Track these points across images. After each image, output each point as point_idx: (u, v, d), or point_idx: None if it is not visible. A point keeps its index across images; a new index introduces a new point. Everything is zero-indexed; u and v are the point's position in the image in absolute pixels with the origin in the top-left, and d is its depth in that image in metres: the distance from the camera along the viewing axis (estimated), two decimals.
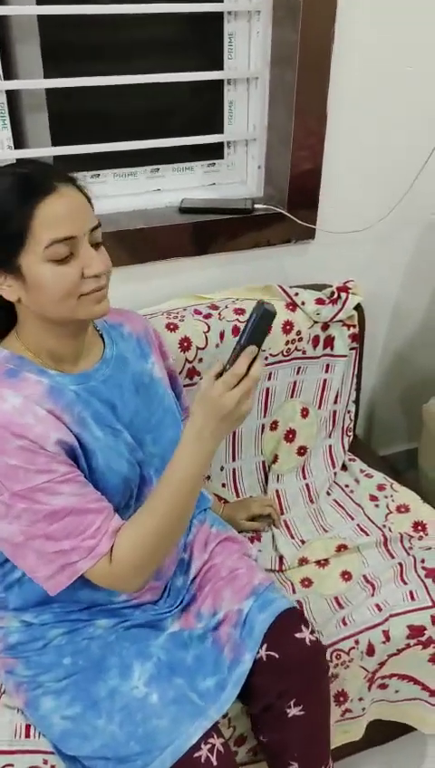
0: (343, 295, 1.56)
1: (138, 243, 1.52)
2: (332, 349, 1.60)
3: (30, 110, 1.50)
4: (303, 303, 1.55)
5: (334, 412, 1.66)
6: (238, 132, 1.67)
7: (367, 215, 1.68)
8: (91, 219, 0.97)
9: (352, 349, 1.63)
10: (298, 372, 1.59)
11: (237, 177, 1.73)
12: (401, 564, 1.39)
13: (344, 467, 1.68)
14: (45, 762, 1.07)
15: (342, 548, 1.43)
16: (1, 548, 1.01)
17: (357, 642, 1.27)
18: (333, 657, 1.25)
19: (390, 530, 1.47)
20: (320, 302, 1.56)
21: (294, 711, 1.09)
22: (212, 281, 1.64)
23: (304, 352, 1.57)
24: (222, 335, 1.47)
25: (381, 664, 1.30)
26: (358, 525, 1.50)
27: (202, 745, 0.99)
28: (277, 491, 1.59)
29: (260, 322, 0.92)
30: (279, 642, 1.09)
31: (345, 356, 1.61)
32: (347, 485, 1.63)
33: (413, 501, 1.54)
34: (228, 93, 1.63)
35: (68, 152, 1.50)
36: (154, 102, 1.61)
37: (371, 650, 1.27)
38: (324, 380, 1.62)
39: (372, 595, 1.33)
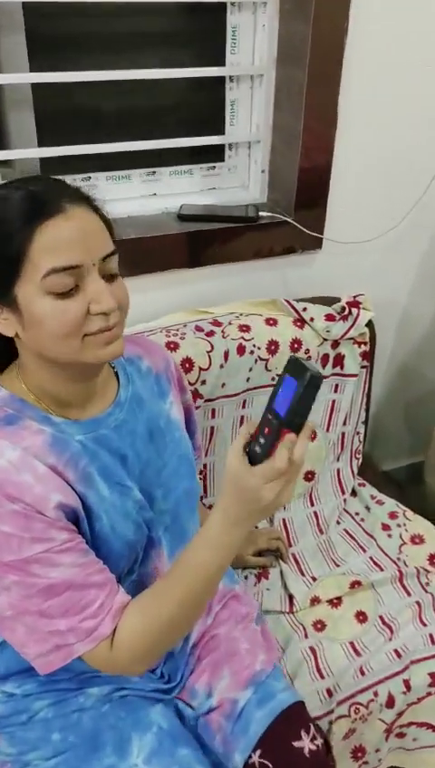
0: (354, 311, 1.46)
1: (132, 252, 1.39)
2: (342, 368, 1.50)
3: (14, 107, 1.38)
4: (311, 320, 1.44)
5: (343, 434, 1.56)
6: (240, 133, 1.55)
7: (377, 223, 1.58)
8: (105, 246, 0.83)
9: (362, 367, 1.53)
10: None
11: (239, 182, 1.61)
12: (418, 603, 1.30)
13: (354, 493, 1.58)
14: None
15: (355, 585, 1.33)
16: None
17: (376, 694, 1.17)
18: (351, 712, 1.15)
19: (405, 564, 1.38)
20: (330, 318, 1.45)
21: None
22: (211, 293, 1.53)
23: None
24: (226, 355, 1.36)
25: (400, 714, 1.21)
26: (371, 558, 1.40)
27: None
28: (284, 520, 1.49)
29: (305, 393, 0.76)
30: (275, 750, 0.96)
31: (356, 375, 1.51)
32: (357, 513, 1.53)
33: (428, 531, 1.45)
34: (230, 91, 1.51)
35: (56, 153, 1.38)
36: (150, 100, 1.49)
37: (391, 702, 1.18)
38: (333, 401, 1.52)
39: (390, 639, 1.24)
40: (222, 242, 1.47)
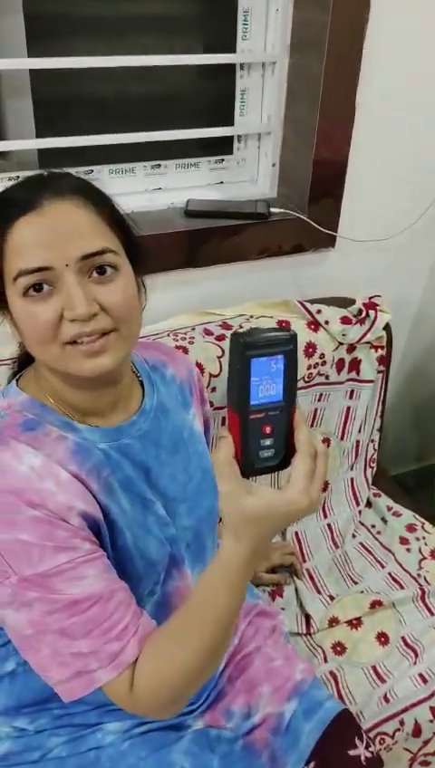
0: (371, 313, 1.39)
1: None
2: (358, 373, 1.42)
3: (11, 95, 1.30)
4: (326, 323, 1.37)
5: (357, 442, 1.49)
6: (251, 125, 1.47)
7: (394, 220, 1.51)
8: (85, 245, 0.74)
9: (379, 372, 1.45)
10: (320, 399, 1.41)
11: (248, 176, 1.53)
12: None
13: (369, 504, 1.51)
14: None
15: (376, 605, 1.26)
16: (10, 637, 0.80)
17: (402, 723, 1.10)
18: (376, 742, 1.08)
19: (426, 580, 1.31)
20: (346, 321, 1.37)
21: None
22: (218, 294, 1.46)
23: (326, 377, 1.39)
24: None
25: (426, 742, 1.14)
26: (390, 575, 1.33)
27: None
28: (297, 533, 1.42)
29: (292, 361, 0.65)
30: (330, 760, 0.90)
31: (372, 381, 1.44)
32: (374, 526, 1.46)
33: None
34: (241, 80, 1.42)
35: (55, 145, 1.30)
36: (155, 89, 1.41)
37: (417, 731, 1.11)
38: (348, 408, 1.45)
39: (415, 663, 1.17)
40: (231, 239, 1.40)
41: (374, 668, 1.17)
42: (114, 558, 0.83)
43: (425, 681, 1.14)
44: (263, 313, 1.38)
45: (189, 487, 0.95)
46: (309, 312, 1.38)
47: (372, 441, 1.53)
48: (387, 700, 1.12)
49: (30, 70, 1.27)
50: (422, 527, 1.43)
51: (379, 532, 1.44)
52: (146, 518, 0.88)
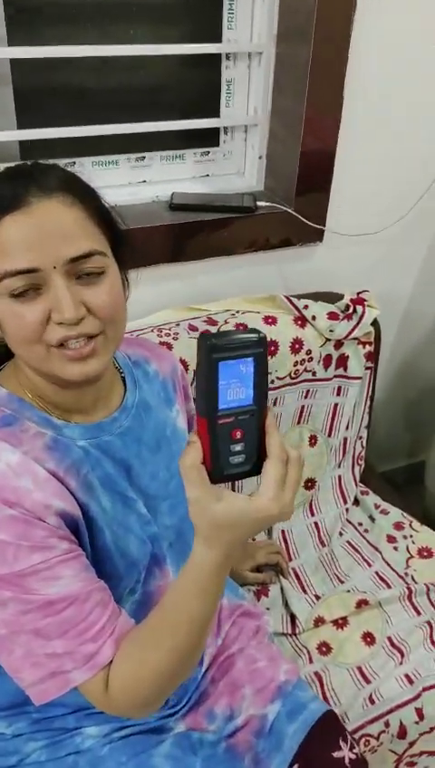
0: (359, 309, 1.36)
1: None
2: (345, 370, 1.41)
3: None
4: (314, 318, 1.35)
5: (345, 439, 1.47)
6: (237, 116, 1.45)
7: (382, 214, 1.49)
8: (74, 247, 0.73)
9: (367, 368, 1.43)
10: (307, 396, 1.39)
11: (234, 168, 1.51)
12: (429, 623, 1.21)
13: (356, 502, 1.49)
14: None
15: (362, 604, 1.24)
16: None
17: (388, 724, 1.09)
18: (361, 744, 1.07)
19: (413, 579, 1.30)
20: (333, 316, 1.35)
21: None
22: (204, 288, 1.43)
23: (314, 374, 1.37)
24: None
25: (412, 743, 1.13)
26: (377, 574, 1.32)
27: None
28: (283, 532, 1.40)
29: (263, 363, 0.63)
30: (314, 763, 0.89)
31: (360, 378, 1.42)
32: (361, 524, 1.44)
33: None
34: (227, 70, 1.40)
35: (36, 136, 1.27)
36: (139, 79, 1.37)
37: (402, 732, 1.10)
38: (336, 405, 1.43)
39: (401, 663, 1.16)
40: (216, 233, 1.37)
41: (360, 669, 1.15)
42: (93, 557, 0.82)
43: (411, 682, 1.13)
44: (249, 309, 1.36)
45: (172, 485, 0.93)
46: (296, 308, 1.36)
47: (360, 438, 1.51)
48: (372, 701, 1.10)
49: (11, 59, 1.24)
50: (410, 525, 1.41)
51: (366, 531, 1.42)
52: (127, 516, 0.87)
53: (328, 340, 1.36)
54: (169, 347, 1.23)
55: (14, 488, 0.74)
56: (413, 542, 1.37)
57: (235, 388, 0.63)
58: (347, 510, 1.46)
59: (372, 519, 1.44)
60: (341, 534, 1.42)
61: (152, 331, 1.27)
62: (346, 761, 0.89)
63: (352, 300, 1.37)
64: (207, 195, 1.41)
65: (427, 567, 1.32)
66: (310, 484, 1.44)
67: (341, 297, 1.40)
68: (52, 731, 0.90)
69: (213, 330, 1.29)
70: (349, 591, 1.28)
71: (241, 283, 1.45)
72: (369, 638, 1.20)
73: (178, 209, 1.36)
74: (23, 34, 1.22)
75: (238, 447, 0.66)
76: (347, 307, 1.36)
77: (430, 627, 1.21)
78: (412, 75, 1.39)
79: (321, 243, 1.48)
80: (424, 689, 1.12)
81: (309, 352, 1.34)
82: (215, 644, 1.02)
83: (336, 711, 1.08)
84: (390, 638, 1.20)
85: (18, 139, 1.29)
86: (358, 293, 1.39)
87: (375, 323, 1.42)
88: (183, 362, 1.22)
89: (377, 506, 1.46)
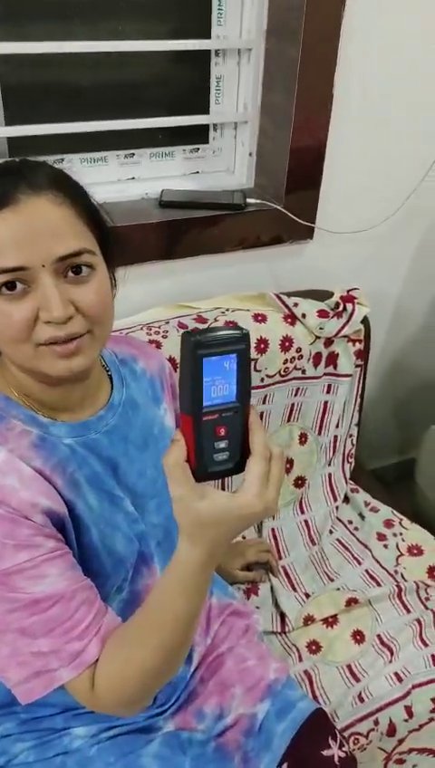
0: (349, 306, 1.36)
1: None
2: (335, 367, 1.40)
3: None
4: (303, 316, 1.34)
5: (335, 437, 1.47)
6: (227, 113, 1.44)
7: (372, 212, 1.48)
8: (63, 245, 0.72)
9: (357, 366, 1.43)
10: (296, 394, 1.39)
11: (224, 166, 1.50)
12: (419, 621, 1.21)
13: (347, 499, 1.49)
14: None
15: (352, 602, 1.24)
16: None
17: (377, 722, 1.09)
18: (350, 742, 1.07)
19: (403, 577, 1.30)
20: (323, 314, 1.35)
21: None
22: (194, 286, 1.43)
23: (303, 372, 1.37)
24: None
25: (401, 741, 1.13)
26: (367, 572, 1.32)
27: None
28: (273, 530, 1.39)
29: (246, 359, 0.63)
30: (303, 761, 0.89)
31: (350, 375, 1.42)
32: (351, 521, 1.44)
33: (425, 541, 1.37)
34: (216, 67, 1.39)
35: (25, 133, 1.26)
36: (128, 75, 1.37)
37: (392, 730, 1.10)
38: (325, 403, 1.43)
39: (390, 661, 1.15)
40: (206, 231, 1.37)
41: (349, 667, 1.15)
42: (80, 555, 0.82)
43: (400, 680, 1.13)
44: (239, 306, 1.35)
45: (159, 483, 0.93)
46: (286, 306, 1.35)
47: (350, 436, 1.51)
48: (362, 699, 1.10)
49: None
50: (400, 523, 1.41)
51: (356, 528, 1.42)
52: (114, 514, 0.87)
53: (318, 337, 1.36)
54: (159, 345, 1.23)
55: None
56: (403, 540, 1.37)
57: (219, 385, 0.63)
58: (337, 508, 1.46)
59: (362, 517, 1.44)
60: (331, 532, 1.42)
61: (142, 328, 1.26)
62: (336, 759, 0.89)
63: (342, 297, 1.37)
64: (197, 192, 1.40)
65: (416, 565, 1.32)
66: (300, 482, 1.44)
67: (331, 295, 1.39)
68: (40, 731, 0.90)
69: (202, 327, 1.28)
70: (339, 589, 1.28)
71: (231, 281, 1.45)
72: (358, 637, 1.20)
73: (168, 206, 1.35)
74: (10, 31, 1.21)
75: (222, 445, 0.66)
76: (337, 305, 1.36)
77: (420, 625, 1.21)
78: (405, 73, 1.39)
79: (311, 240, 1.48)
80: (413, 687, 1.12)
81: (299, 350, 1.34)
82: (204, 643, 1.02)
83: (326, 709, 1.08)
84: (379, 636, 1.20)
85: (6, 135, 1.27)
86: (348, 291, 1.39)
87: (365, 321, 1.41)
88: (172, 361, 1.21)
89: (367, 504, 1.46)
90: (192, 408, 0.63)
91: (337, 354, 1.39)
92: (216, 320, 1.30)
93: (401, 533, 1.39)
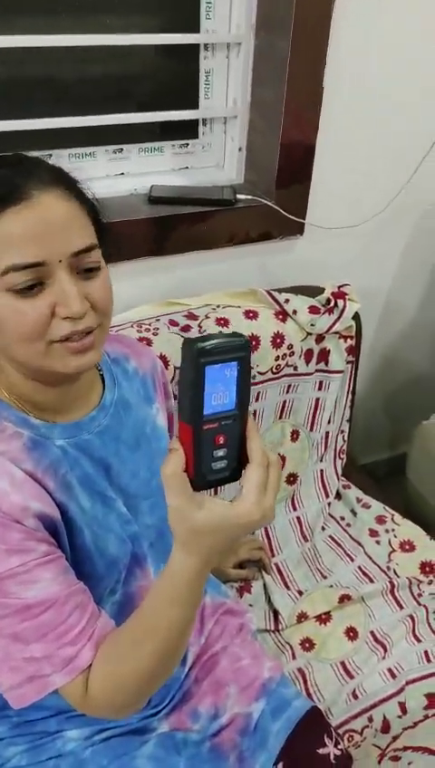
0: (340, 303, 1.36)
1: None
2: (326, 364, 1.40)
3: None
4: (294, 312, 1.34)
5: (327, 433, 1.46)
6: (216, 108, 1.42)
7: (363, 207, 1.48)
8: (77, 241, 0.72)
9: (348, 362, 1.43)
10: (288, 391, 1.38)
11: (213, 161, 1.49)
12: (411, 617, 1.22)
13: (339, 495, 1.49)
14: None
15: (345, 599, 1.24)
16: None
17: (371, 719, 1.09)
18: (344, 739, 1.07)
19: (396, 573, 1.30)
20: (314, 310, 1.34)
21: None
22: (184, 283, 1.42)
23: (295, 368, 1.36)
24: None
25: (396, 737, 1.13)
26: (359, 568, 1.32)
27: None
28: (266, 527, 1.39)
29: (246, 368, 0.62)
30: (299, 760, 0.89)
31: (341, 371, 1.41)
32: (343, 518, 1.44)
33: (418, 537, 1.37)
34: (205, 61, 1.37)
35: (12, 128, 1.25)
36: (116, 70, 1.35)
37: (386, 727, 1.10)
38: (317, 399, 1.42)
39: (384, 658, 1.16)
40: (196, 227, 1.35)
41: (343, 664, 1.15)
42: (73, 557, 0.81)
43: (394, 676, 1.13)
44: (230, 303, 1.34)
45: (152, 484, 0.92)
46: (277, 302, 1.35)
47: (342, 432, 1.51)
48: (356, 696, 1.10)
49: None
50: (392, 519, 1.41)
51: (348, 525, 1.42)
52: (106, 516, 0.86)
53: (309, 334, 1.35)
54: (149, 342, 1.21)
55: None
56: (395, 536, 1.37)
57: (219, 393, 0.62)
58: (329, 504, 1.45)
59: (354, 513, 1.44)
60: (323, 529, 1.41)
61: (132, 326, 1.25)
62: (331, 757, 0.89)
63: (333, 293, 1.37)
64: (187, 188, 1.39)
65: (409, 561, 1.32)
66: (292, 478, 1.44)
67: (321, 291, 1.39)
68: (32, 735, 0.89)
69: (193, 324, 1.27)
70: (332, 586, 1.28)
71: (221, 277, 1.44)
72: (352, 633, 1.20)
73: (157, 202, 1.34)
74: None
75: (221, 453, 0.65)
76: (328, 301, 1.36)
77: (413, 621, 1.21)
78: (396, 69, 1.38)
79: (301, 236, 1.47)
80: (407, 683, 1.12)
81: (290, 347, 1.33)
82: (198, 643, 1.01)
83: (320, 707, 1.08)
84: (372, 633, 1.20)
85: None
86: (339, 287, 1.38)
87: (356, 317, 1.41)
88: (163, 358, 1.20)
89: (359, 500, 1.46)
90: (192, 417, 0.62)
91: (328, 350, 1.39)
92: (206, 317, 1.29)
93: (393, 530, 1.39)
